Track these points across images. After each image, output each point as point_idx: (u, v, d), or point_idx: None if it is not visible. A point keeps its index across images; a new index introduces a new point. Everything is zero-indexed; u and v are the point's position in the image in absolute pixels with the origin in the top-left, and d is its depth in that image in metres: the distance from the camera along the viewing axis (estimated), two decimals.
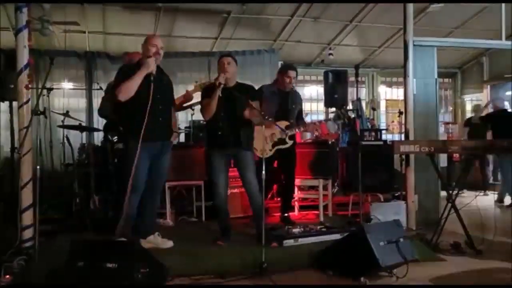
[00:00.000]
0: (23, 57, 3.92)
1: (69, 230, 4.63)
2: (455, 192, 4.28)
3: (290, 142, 4.95)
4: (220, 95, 4.04)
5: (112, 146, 5.00)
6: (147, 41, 3.91)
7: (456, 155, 7.65)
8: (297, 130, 4.96)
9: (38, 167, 3.55)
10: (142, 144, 3.67)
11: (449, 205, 4.22)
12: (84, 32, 7.10)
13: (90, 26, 7.07)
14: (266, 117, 4.03)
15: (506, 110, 7.15)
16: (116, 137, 4.53)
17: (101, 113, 5.40)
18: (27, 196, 3.89)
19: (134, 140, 3.69)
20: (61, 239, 4.21)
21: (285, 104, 5.00)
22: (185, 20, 7.37)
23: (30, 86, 4.02)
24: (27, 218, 3.89)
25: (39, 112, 3.91)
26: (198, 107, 6.22)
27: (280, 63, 8.17)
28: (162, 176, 4.08)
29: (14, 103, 5.19)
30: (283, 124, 4.84)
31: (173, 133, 4.17)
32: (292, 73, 4.96)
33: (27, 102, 3.96)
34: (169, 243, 4.07)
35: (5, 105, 6.16)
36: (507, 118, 6.77)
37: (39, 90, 6.25)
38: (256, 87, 4.66)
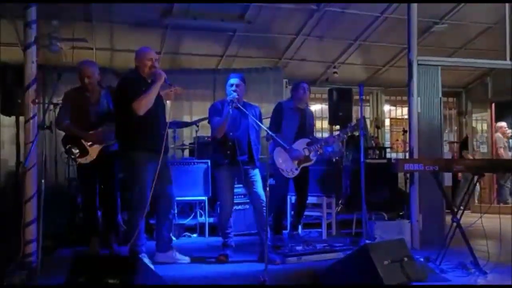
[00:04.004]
0: (31, 73, 3.97)
1: (71, 245, 4.62)
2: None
3: (314, 159, 4.97)
4: (231, 112, 4.07)
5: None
6: (142, 56, 3.97)
7: (460, 175, 7.63)
8: (319, 146, 4.96)
9: (42, 180, 3.55)
10: (149, 158, 3.78)
11: (454, 224, 4.19)
12: (92, 49, 7.18)
13: (98, 43, 7.16)
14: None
15: None
16: (78, 151, 4.26)
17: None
18: (30, 210, 3.89)
19: (143, 153, 3.79)
20: (64, 254, 4.19)
21: (303, 121, 5.05)
22: (191, 38, 7.45)
23: (37, 101, 4.07)
24: (30, 232, 3.88)
25: (45, 126, 3.93)
26: (202, 123, 6.31)
27: (285, 81, 8.22)
28: (172, 189, 4.12)
29: (21, 118, 5.23)
30: (304, 142, 4.91)
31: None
32: (304, 85, 5.05)
33: (33, 117, 3.99)
34: (186, 259, 4.12)
35: (11, 119, 6.21)
36: None
37: (46, 105, 6.30)
38: (260, 105, 4.72)
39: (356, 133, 7.27)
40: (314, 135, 5.57)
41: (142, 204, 3.79)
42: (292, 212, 5.18)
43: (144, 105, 3.77)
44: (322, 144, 4.99)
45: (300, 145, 4.91)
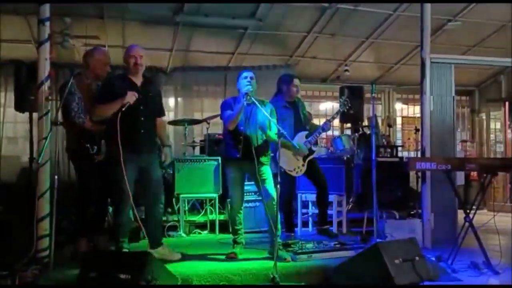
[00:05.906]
0: (44, 70, 4.00)
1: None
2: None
3: (316, 148, 5.01)
4: (245, 104, 4.03)
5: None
6: (126, 54, 3.94)
7: (474, 174, 7.56)
8: (318, 135, 4.98)
9: (56, 176, 3.58)
10: (127, 156, 3.71)
11: (467, 224, 4.15)
12: (104, 46, 7.22)
13: (110, 40, 7.19)
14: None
15: None
16: (95, 147, 4.07)
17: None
18: (43, 206, 3.93)
19: (118, 152, 3.71)
20: (76, 249, 4.23)
21: (297, 114, 5.04)
22: (203, 35, 7.45)
23: (50, 97, 4.10)
24: (43, 227, 3.92)
25: (58, 123, 3.96)
26: (213, 121, 6.33)
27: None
28: (157, 187, 4.06)
29: (34, 114, 5.28)
30: (302, 135, 4.92)
31: (156, 145, 4.16)
32: (297, 81, 5.06)
33: (46, 113, 4.03)
34: (177, 255, 4.08)
35: (24, 116, 6.27)
36: None
37: (59, 102, 6.34)
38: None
39: (368, 131, 7.25)
40: (312, 121, 5.58)
41: (121, 202, 3.80)
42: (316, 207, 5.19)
43: (95, 113, 3.88)
44: (320, 132, 4.98)
45: (299, 140, 4.88)
